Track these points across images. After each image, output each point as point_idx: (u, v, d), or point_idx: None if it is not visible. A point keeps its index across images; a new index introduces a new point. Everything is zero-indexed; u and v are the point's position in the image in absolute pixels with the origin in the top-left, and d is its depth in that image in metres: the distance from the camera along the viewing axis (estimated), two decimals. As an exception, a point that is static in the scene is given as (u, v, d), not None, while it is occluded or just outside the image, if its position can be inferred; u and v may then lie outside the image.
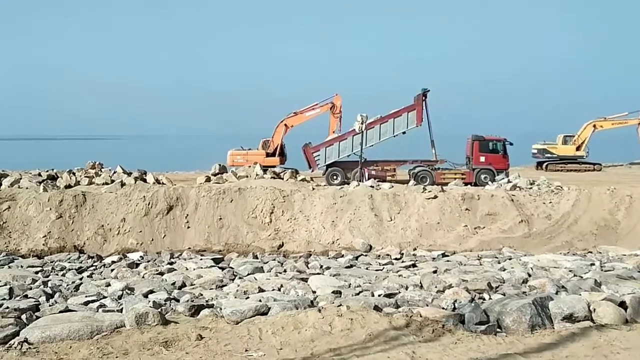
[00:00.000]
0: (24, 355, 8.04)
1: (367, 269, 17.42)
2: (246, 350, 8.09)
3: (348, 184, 27.00)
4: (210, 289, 14.14)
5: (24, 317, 10.30)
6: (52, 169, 28.10)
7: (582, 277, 14.44)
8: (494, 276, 14.68)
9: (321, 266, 17.54)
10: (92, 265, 18.33)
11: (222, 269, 17.19)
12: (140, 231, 21.55)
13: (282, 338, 8.50)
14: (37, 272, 16.88)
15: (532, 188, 25.04)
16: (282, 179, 27.57)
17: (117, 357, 7.94)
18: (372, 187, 24.55)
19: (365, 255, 19.87)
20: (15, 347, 8.34)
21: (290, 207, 22.77)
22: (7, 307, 11.12)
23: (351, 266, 17.72)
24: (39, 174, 26.60)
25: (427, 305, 11.15)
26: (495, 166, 28.99)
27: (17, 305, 11.32)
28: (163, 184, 25.33)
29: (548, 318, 9.80)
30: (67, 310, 10.97)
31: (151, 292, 13.28)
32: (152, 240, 21.38)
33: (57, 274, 16.90)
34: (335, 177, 29.61)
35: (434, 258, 19.14)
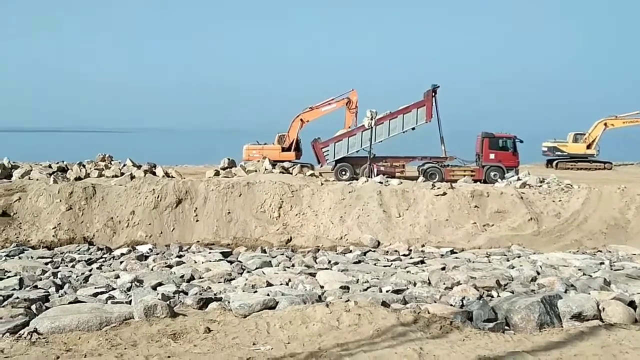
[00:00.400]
0: (34, 345, 8.09)
1: (375, 264, 17.40)
2: (254, 344, 8.11)
3: (357, 179, 26.99)
4: (219, 282, 14.17)
5: (33, 307, 10.41)
6: (63, 161, 28.29)
7: (591, 276, 14.38)
8: (502, 274, 14.64)
9: (329, 261, 17.53)
10: (101, 257, 18.40)
11: (231, 262, 17.21)
12: (150, 224, 21.63)
13: (290, 332, 8.52)
14: (47, 263, 16.97)
15: (541, 186, 24.92)
16: (291, 173, 27.61)
17: (125, 348, 7.98)
18: (380, 183, 24.53)
19: (374, 251, 19.84)
20: (25, 337, 8.42)
21: (298, 202, 22.78)
22: (17, 298, 11.19)
23: (359, 262, 17.71)
24: (50, 166, 26.81)
25: (435, 302, 11.16)
26: (505, 164, 28.89)
27: (27, 296, 11.39)
28: (172, 177, 25.43)
29: (557, 316, 9.78)
30: (76, 301, 11.05)
31: (160, 284, 13.32)
32: (161, 233, 21.45)
33: (66, 265, 16.98)
34: (344, 172, 29.63)
35: (442, 255, 19.09)
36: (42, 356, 7.62)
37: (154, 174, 25.99)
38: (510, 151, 29.24)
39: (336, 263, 17.19)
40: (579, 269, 15.46)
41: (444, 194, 22.85)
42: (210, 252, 19.06)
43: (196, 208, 22.32)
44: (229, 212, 22.26)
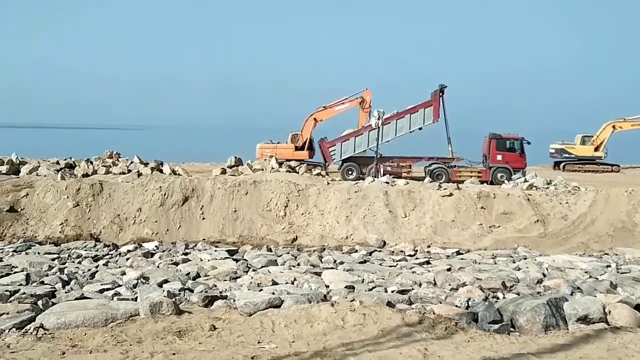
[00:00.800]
0: (40, 340, 8.13)
1: (380, 264, 17.38)
2: (259, 342, 8.12)
3: (363, 179, 26.98)
4: (224, 280, 14.20)
5: (40, 303, 10.44)
6: (70, 158, 28.41)
7: (597, 278, 14.31)
8: (508, 275, 14.59)
9: (335, 261, 17.53)
10: (107, 254, 18.47)
11: (236, 260, 17.24)
12: (156, 221, 21.69)
13: (295, 331, 8.53)
14: (53, 259, 17.04)
15: (548, 188, 24.85)
16: (297, 172, 27.64)
17: (131, 345, 8.00)
18: (387, 183, 24.51)
19: (379, 251, 19.83)
20: (31, 333, 8.45)
21: (304, 201, 22.80)
22: (24, 293, 11.25)
23: (365, 261, 17.70)
24: (57, 162, 26.93)
25: (441, 303, 11.12)
26: (512, 165, 28.82)
27: (34, 291, 11.45)
28: (179, 174, 25.50)
29: (562, 319, 9.74)
30: (82, 297, 11.09)
31: (166, 281, 13.37)
32: (168, 230, 21.52)
33: (73, 262, 17.06)
34: (350, 172, 29.63)
35: (448, 256, 19.06)
36: (48, 352, 7.66)
37: (161, 171, 26.08)
38: (517, 152, 29.18)
39: (342, 262, 17.18)
40: (586, 272, 15.40)
41: (451, 194, 22.81)
42: (216, 250, 19.11)
43: (202, 206, 22.37)
44: (235, 211, 22.29)
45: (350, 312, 9.03)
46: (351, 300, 10.05)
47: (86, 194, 22.08)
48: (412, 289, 12.81)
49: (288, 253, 18.92)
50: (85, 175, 24.78)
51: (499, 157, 29.01)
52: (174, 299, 10.16)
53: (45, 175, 23.73)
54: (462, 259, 18.47)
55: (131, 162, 27.67)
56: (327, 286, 13.36)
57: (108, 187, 22.70)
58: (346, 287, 12.86)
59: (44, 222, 21.16)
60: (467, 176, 28.31)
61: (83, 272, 15.13)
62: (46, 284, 13.15)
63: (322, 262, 17.39)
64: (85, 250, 18.95)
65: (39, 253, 18.14)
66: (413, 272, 15.69)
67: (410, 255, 19.16)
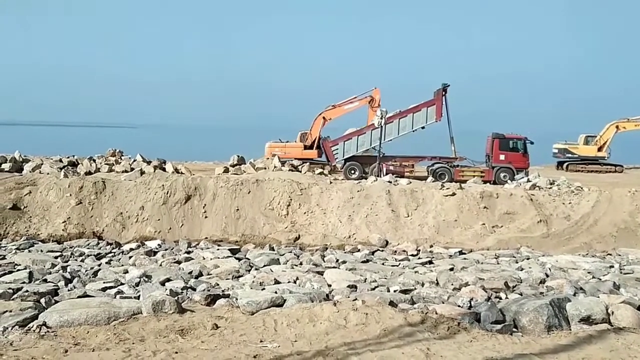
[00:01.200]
0: (42, 338, 8.15)
1: (383, 264, 17.39)
2: (261, 341, 8.13)
3: (366, 178, 26.96)
4: (227, 279, 14.21)
5: (43, 300, 10.48)
6: (73, 156, 28.40)
7: (600, 279, 14.31)
8: (511, 275, 14.58)
9: (337, 260, 17.54)
10: (110, 252, 18.49)
11: (239, 259, 17.26)
12: (159, 219, 21.71)
13: (297, 330, 8.53)
14: (56, 257, 17.07)
15: (551, 188, 24.79)
16: (300, 171, 27.63)
17: (133, 343, 8.01)
18: (389, 182, 24.48)
19: (382, 251, 19.84)
20: (34, 330, 8.48)
21: (307, 200, 22.79)
22: (27, 291, 11.28)
23: (367, 261, 17.71)
24: (60, 160, 26.92)
25: (443, 303, 11.12)
26: (515, 165, 28.75)
27: (37, 289, 11.48)
28: (182, 173, 25.49)
29: (565, 319, 9.73)
30: (85, 295, 11.13)
31: (168, 280, 13.38)
32: (170, 229, 21.53)
33: (76, 260, 17.09)
34: (353, 171, 29.59)
35: (450, 255, 19.05)
36: (51, 349, 7.67)
37: (164, 169, 26.07)
38: (520, 152, 29.10)
39: (344, 262, 17.19)
40: (588, 272, 15.38)
41: (453, 194, 22.78)
42: (218, 249, 19.13)
43: (205, 204, 22.38)
44: (238, 209, 22.30)
45: (353, 312, 9.03)
46: (353, 300, 10.06)
47: (89, 192, 22.12)
48: (415, 288, 12.81)
49: (290, 252, 18.93)
50: (88, 173, 24.77)
51: (502, 157, 28.93)
52: (176, 298, 10.18)
53: (48, 173, 23.75)
54: (464, 258, 18.45)
55: (134, 161, 27.66)
56: (330, 285, 13.38)
57: (111, 185, 22.72)
58: (348, 286, 12.88)
59: (47, 220, 21.19)
60: (469, 176, 28.25)
61: (86, 270, 15.15)
62: (49, 282, 13.18)
63: (324, 261, 17.39)
64: (88, 248, 18.98)
65: (41, 251, 18.17)
66: (415, 272, 15.68)
67: (412, 255, 19.16)
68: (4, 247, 18.68)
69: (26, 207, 21.50)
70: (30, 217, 21.22)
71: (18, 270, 14.51)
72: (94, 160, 27.12)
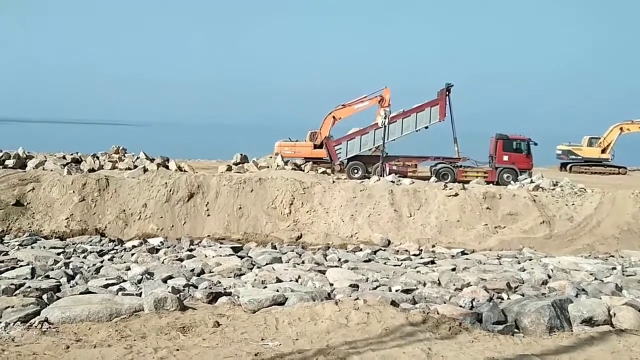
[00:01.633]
0: (44, 334, 8.17)
1: (385, 263, 17.37)
2: (262, 339, 8.13)
3: (369, 178, 26.95)
4: (229, 277, 14.21)
5: (45, 297, 10.50)
6: (77, 153, 28.46)
7: (603, 280, 14.27)
8: (513, 276, 14.55)
9: (339, 259, 17.53)
10: (113, 249, 18.53)
11: (241, 257, 17.25)
12: (161, 217, 21.74)
13: (298, 329, 8.53)
14: (59, 254, 17.10)
15: (554, 189, 24.74)
16: (303, 170, 27.64)
17: (134, 340, 8.02)
18: (392, 182, 24.48)
19: (384, 250, 19.84)
20: (36, 326, 8.49)
21: (310, 199, 22.80)
22: (29, 287, 11.29)
23: (369, 260, 17.70)
24: (64, 157, 26.96)
25: (445, 303, 11.11)
26: (519, 166, 28.73)
27: (39, 285, 11.50)
28: (185, 171, 25.51)
29: (567, 321, 9.71)
30: (87, 292, 11.14)
31: (170, 277, 13.38)
32: (173, 226, 21.56)
33: (78, 256, 17.12)
34: (356, 171, 29.59)
35: (453, 256, 19.04)
36: (53, 345, 7.68)
37: (167, 167, 26.10)
38: (523, 153, 29.09)
39: (346, 261, 17.19)
40: (591, 274, 15.34)
41: (456, 194, 22.77)
42: (220, 247, 19.13)
43: (208, 202, 22.40)
44: (240, 208, 22.32)
45: (354, 311, 9.02)
46: (355, 299, 10.06)
47: (92, 189, 22.16)
48: (417, 288, 12.79)
49: (292, 251, 18.94)
50: (92, 170, 24.82)
51: (506, 158, 28.92)
52: (178, 295, 10.19)
53: (51, 170, 23.80)
54: (466, 259, 18.44)
55: (137, 158, 27.70)
56: (331, 284, 13.36)
57: (114, 182, 22.75)
58: (350, 285, 12.86)
59: (50, 216, 21.24)
60: (473, 176, 28.24)
61: (88, 267, 15.18)
62: (51, 278, 13.19)
63: (326, 260, 17.39)
64: (91, 245, 19.02)
65: (44, 247, 18.20)
66: (417, 272, 15.67)
67: (414, 255, 19.15)
68: (7, 243, 18.73)
69: (29, 204, 21.54)
70: (33, 213, 21.27)
71: (21, 266, 14.53)
72: (98, 158, 27.18)
